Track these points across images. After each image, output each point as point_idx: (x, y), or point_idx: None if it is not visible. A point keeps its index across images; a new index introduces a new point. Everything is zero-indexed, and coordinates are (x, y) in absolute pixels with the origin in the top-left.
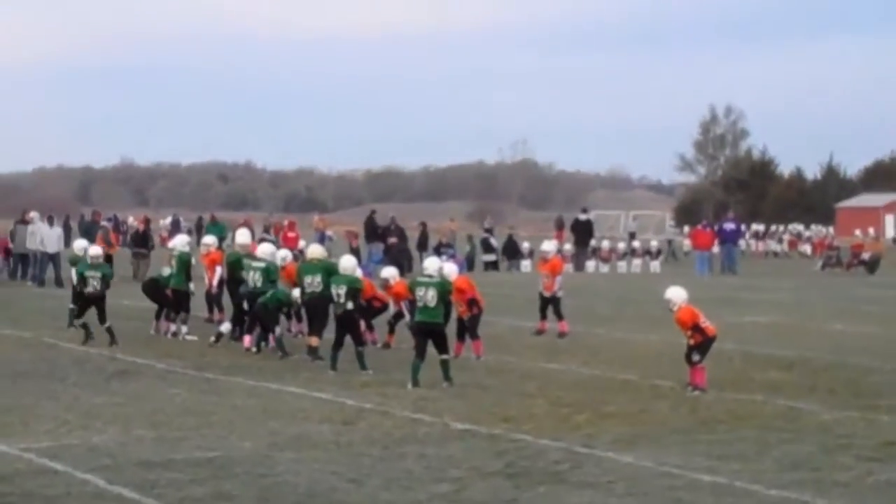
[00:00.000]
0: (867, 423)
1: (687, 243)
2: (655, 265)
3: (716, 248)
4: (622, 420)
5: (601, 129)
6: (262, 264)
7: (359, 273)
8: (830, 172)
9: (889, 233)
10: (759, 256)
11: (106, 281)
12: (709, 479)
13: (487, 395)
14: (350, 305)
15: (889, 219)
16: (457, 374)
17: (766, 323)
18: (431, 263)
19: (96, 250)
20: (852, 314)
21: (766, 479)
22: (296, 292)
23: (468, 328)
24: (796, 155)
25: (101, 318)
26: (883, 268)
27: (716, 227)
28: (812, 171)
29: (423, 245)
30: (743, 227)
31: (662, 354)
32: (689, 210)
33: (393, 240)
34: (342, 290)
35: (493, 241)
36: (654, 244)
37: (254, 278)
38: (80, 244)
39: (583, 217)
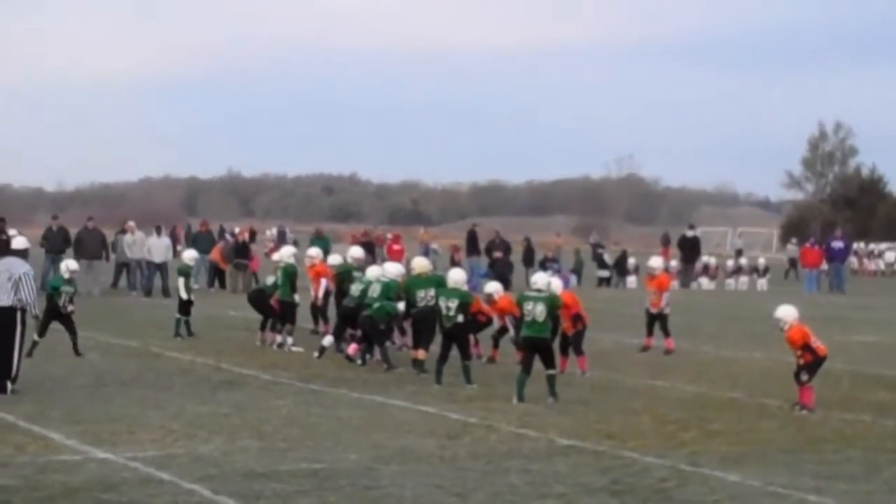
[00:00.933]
0: None
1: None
2: (762, 283)
3: (824, 266)
4: (728, 438)
5: (708, 144)
6: (382, 279)
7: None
8: None
9: None
10: (869, 275)
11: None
12: (816, 499)
13: (592, 412)
14: (461, 319)
15: None
16: (562, 390)
17: (874, 342)
18: (540, 278)
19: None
20: None
21: (874, 500)
22: (401, 305)
23: (572, 343)
24: None
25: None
26: None
27: (824, 246)
28: None
29: (528, 259)
30: (854, 245)
31: (769, 373)
32: (796, 227)
33: (498, 254)
34: (453, 304)
35: (607, 257)
36: (761, 261)
37: (362, 291)
38: (189, 254)
39: (689, 233)
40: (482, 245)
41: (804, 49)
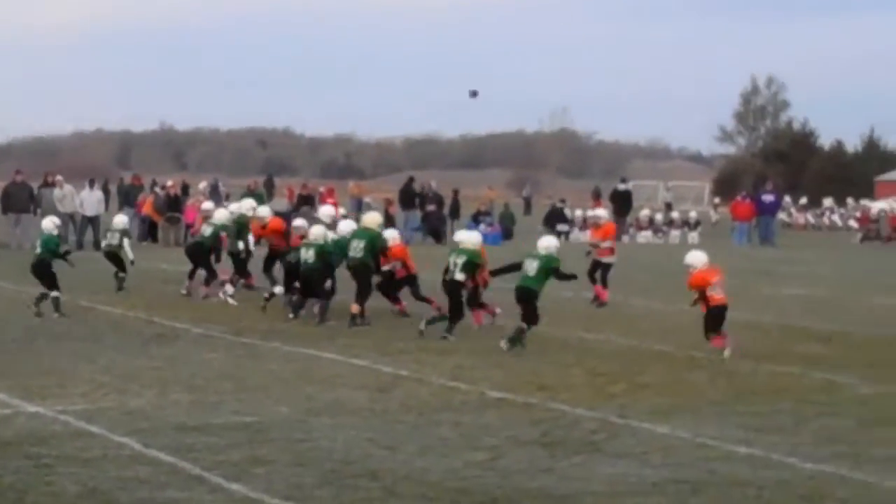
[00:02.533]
0: None
1: (713, 213)
2: (693, 236)
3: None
4: (658, 391)
5: (641, 99)
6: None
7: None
8: (871, 145)
9: None
10: (799, 228)
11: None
12: (745, 451)
13: (524, 364)
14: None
15: None
16: (494, 344)
17: (804, 296)
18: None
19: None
20: (891, 288)
21: (802, 452)
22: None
23: (470, 297)
24: (837, 127)
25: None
26: None
27: (754, 199)
28: (853, 144)
29: (455, 212)
30: (787, 198)
31: (699, 326)
32: (728, 181)
33: (431, 207)
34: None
35: (567, 212)
36: (692, 215)
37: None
38: (122, 219)
39: (622, 187)
40: (417, 199)
41: (737, 2)
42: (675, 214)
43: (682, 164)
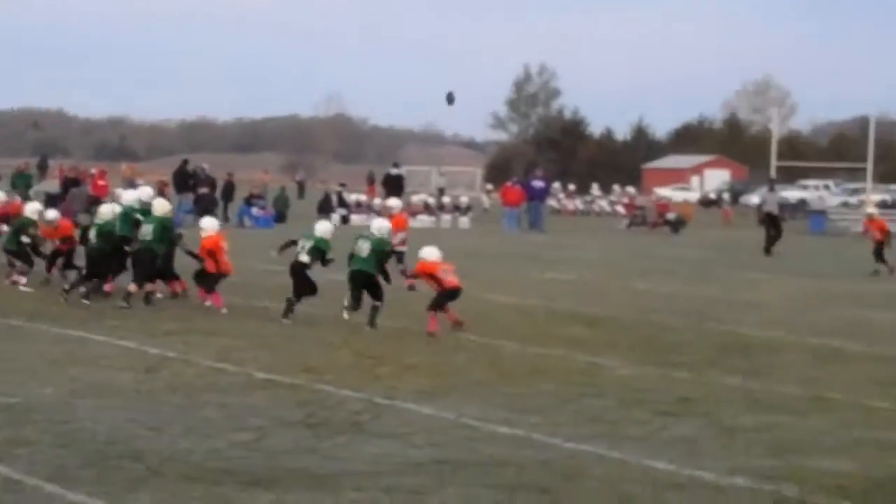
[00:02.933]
0: (664, 378)
1: (485, 199)
2: (465, 220)
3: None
4: (424, 372)
5: (416, 85)
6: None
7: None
8: (640, 134)
9: (694, 194)
10: (569, 214)
11: None
12: (507, 431)
13: (292, 346)
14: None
15: (695, 180)
16: (263, 325)
17: (570, 280)
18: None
19: None
20: (655, 273)
21: (563, 432)
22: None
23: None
24: (607, 116)
25: None
26: (688, 228)
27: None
28: (622, 133)
29: (227, 195)
30: (557, 184)
31: (465, 308)
32: (500, 168)
33: (204, 190)
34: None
35: (346, 196)
36: (464, 200)
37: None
38: None
39: (394, 172)
40: (191, 181)
41: None
42: (446, 199)
43: (456, 150)
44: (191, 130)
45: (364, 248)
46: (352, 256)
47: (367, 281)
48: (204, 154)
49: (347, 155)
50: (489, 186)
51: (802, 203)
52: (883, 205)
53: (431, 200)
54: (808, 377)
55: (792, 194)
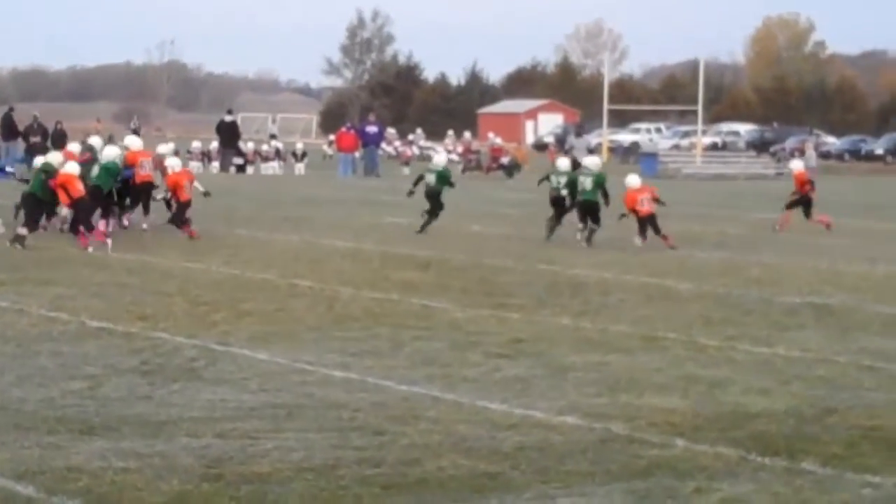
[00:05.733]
0: (497, 320)
1: (327, 149)
2: (300, 167)
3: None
4: (259, 318)
5: (249, 31)
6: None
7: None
8: (474, 79)
9: (529, 139)
10: (405, 160)
11: None
12: (341, 374)
13: (126, 294)
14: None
15: (529, 125)
16: (96, 273)
17: (405, 224)
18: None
19: None
20: (490, 217)
21: (397, 375)
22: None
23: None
24: (441, 62)
25: None
26: (523, 173)
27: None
28: (456, 77)
29: (57, 144)
30: (391, 130)
31: (301, 254)
32: (335, 114)
33: (36, 139)
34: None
35: (241, 145)
36: (299, 147)
37: None
38: None
39: (228, 118)
40: (23, 130)
41: None
42: (279, 146)
43: (291, 96)
44: (23, 79)
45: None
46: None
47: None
48: (38, 103)
49: (182, 102)
50: (332, 137)
51: (635, 146)
52: (713, 146)
53: (265, 147)
54: (639, 316)
55: (625, 137)
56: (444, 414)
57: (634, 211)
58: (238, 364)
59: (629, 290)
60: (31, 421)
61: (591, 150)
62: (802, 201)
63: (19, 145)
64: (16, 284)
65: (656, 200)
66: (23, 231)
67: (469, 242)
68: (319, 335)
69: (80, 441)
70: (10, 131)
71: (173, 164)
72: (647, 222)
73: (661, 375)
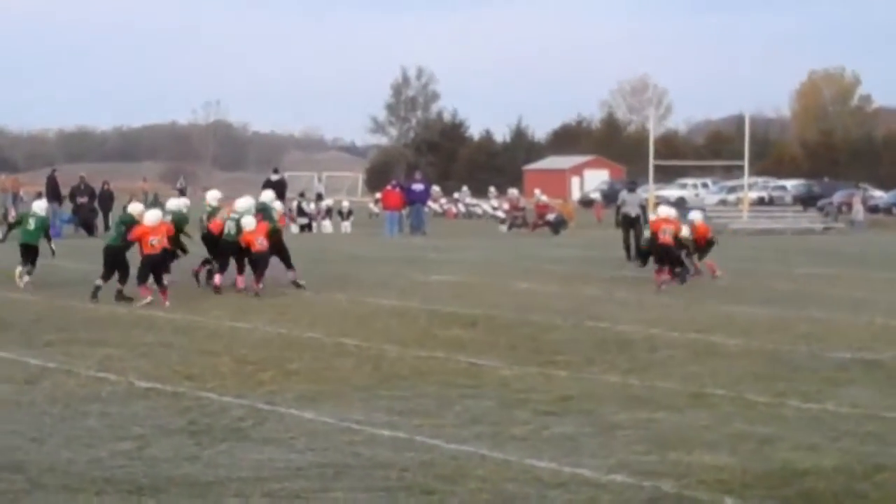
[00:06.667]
0: (545, 378)
1: (373, 207)
2: (346, 225)
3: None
4: (306, 377)
5: (295, 90)
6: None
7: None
8: (519, 135)
9: (575, 195)
10: (451, 217)
11: None
12: (389, 433)
13: (173, 354)
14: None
15: (575, 181)
16: (144, 333)
17: (452, 282)
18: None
19: None
20: (536, 273)
21: (446, 433)
22: None
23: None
24: (487, 118)
25: None
26: (569, 229)
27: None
28: (501, 134)
29: (105, 205)
30: (436, 188)
31: (348, 313)
32: (380, 172)
33: (82, 199)
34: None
35: (304, 206)
36: (345, 205)
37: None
38: None
39: (274, 177)
40: (65, 191)
41: None
42: (325, 204)
43: (336, 154)
44: (70, 140)
45: None
46: None
47: None
48: (84, 164)
49: (228, 161)
50: (378, 195)
51: (681, 201)
52: (760, 201)
53: (312, 206)
54: (688, 373)
55: (671, 192)
56: (492, 472)
57: (655, 235)
58: (285, 423)
59: (677, 346)
60: (80, 482)
61: (644, 207)
62: (707, 247)
63: (65, 206)
64: (64, 345)
65: (676, 238)
66: (120, 286)
67: (516, 299)
68: (366, 394)
69: (128, 502)
70: (54, 192)
71: (248, 222)
72: (663, 252)
73: (709, 432)
